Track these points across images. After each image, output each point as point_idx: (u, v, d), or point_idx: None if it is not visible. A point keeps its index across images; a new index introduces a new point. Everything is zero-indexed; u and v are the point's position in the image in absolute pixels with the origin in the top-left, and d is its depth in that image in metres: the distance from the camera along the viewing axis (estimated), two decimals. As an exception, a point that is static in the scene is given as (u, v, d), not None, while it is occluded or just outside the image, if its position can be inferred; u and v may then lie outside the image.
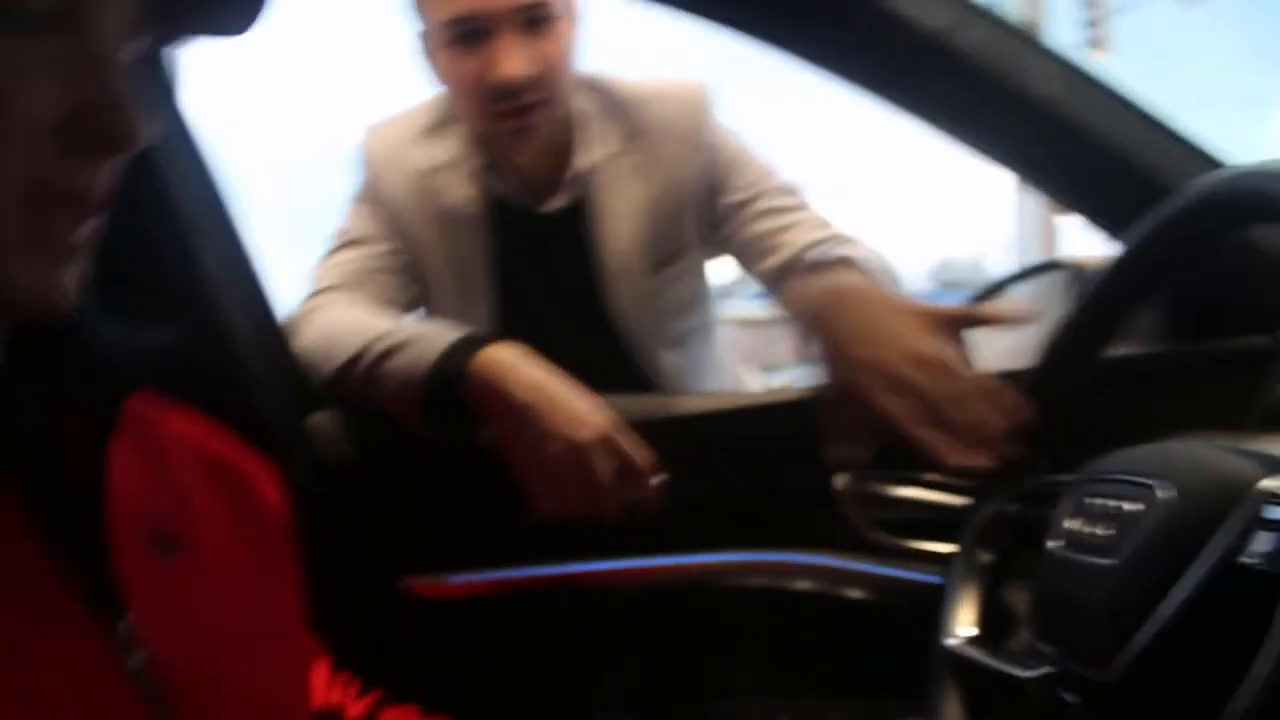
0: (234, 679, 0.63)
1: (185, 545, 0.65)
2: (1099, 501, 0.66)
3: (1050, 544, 0.70)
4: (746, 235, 1.35)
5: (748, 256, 1.36)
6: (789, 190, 1.36)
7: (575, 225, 1.37)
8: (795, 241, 1.29)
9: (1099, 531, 0.64)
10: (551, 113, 1.30)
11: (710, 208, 1.38)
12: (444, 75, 1.31)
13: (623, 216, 1.36)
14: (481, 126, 1.31)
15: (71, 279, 0.53)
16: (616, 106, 1.36)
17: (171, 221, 1.02)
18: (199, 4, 0.59)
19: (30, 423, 0.59)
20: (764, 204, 1.35)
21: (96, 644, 0.55)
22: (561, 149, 1.35)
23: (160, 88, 1.04)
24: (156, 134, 0.53)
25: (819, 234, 1.28)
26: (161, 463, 0.68)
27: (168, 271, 1.03)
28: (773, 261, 1.30)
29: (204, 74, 1.10)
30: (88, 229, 0.53)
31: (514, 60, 1.23)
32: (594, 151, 1.35)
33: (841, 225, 1.32)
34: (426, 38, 1.31)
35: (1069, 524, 0.68)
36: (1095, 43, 11.68)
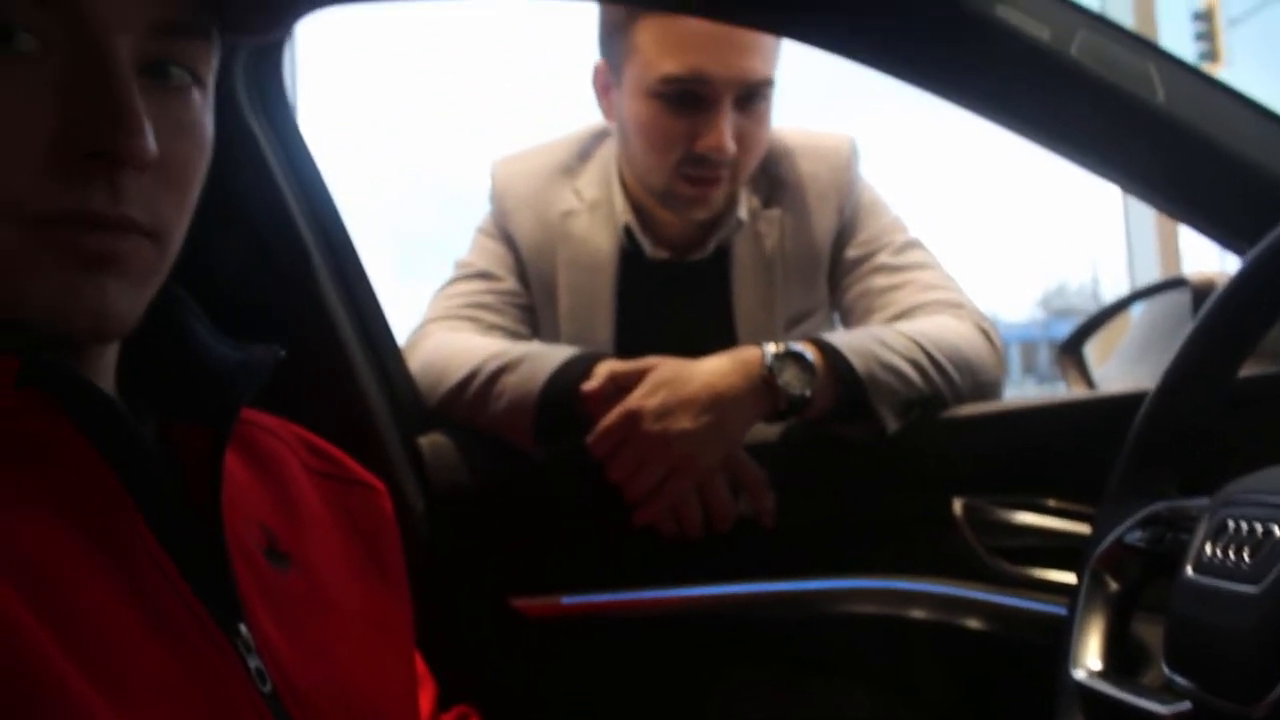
0: (347, 692, 0.64)
1: (298, 561, 0.67)
2: (1240, 525, 0.62)
3: (1185, 571, 0.67)
4: (857, 291, 1.33)
5: (854, 312, 1.34)
6: (908, 248, 1.33)
7: (709, 279, 1.36)
8: (901, 301, 1.27)
9: (1241, 557, 0.61)
10: (731, 190, 1.30)
11: (836, 261, 1.37)
12: (641, 121, 1.27)
13: (758, 272, 1.35)
14: (662, 182, 1.28)
15: (99, 297, 0.54)
16: (763, 160, 1.34)
17: (290, 242, 1.05)
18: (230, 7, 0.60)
19: (148, 436, 0.60)
20: (879, 260, 1.33)
21: (218, 648, 0.56)
22: (718, 212, 1.34)
23: (281, 108, 1.07)
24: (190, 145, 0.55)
25: (926, 296, 1.26)
26: (275, 479, 0.70)
27: (285, 291, 1.05)
28: (875, 319, 1.27)
29: (319, 106, 1.13)
30: (111, 246, 0.54)
31: (727, 134, 1.23)
32: (741, 207, 1.34)
33: (953, 283, 1.29)
34: (628, 77, 1.28)
35: (1206, 550, 0.65)
36: (1209, 55, 11.36)
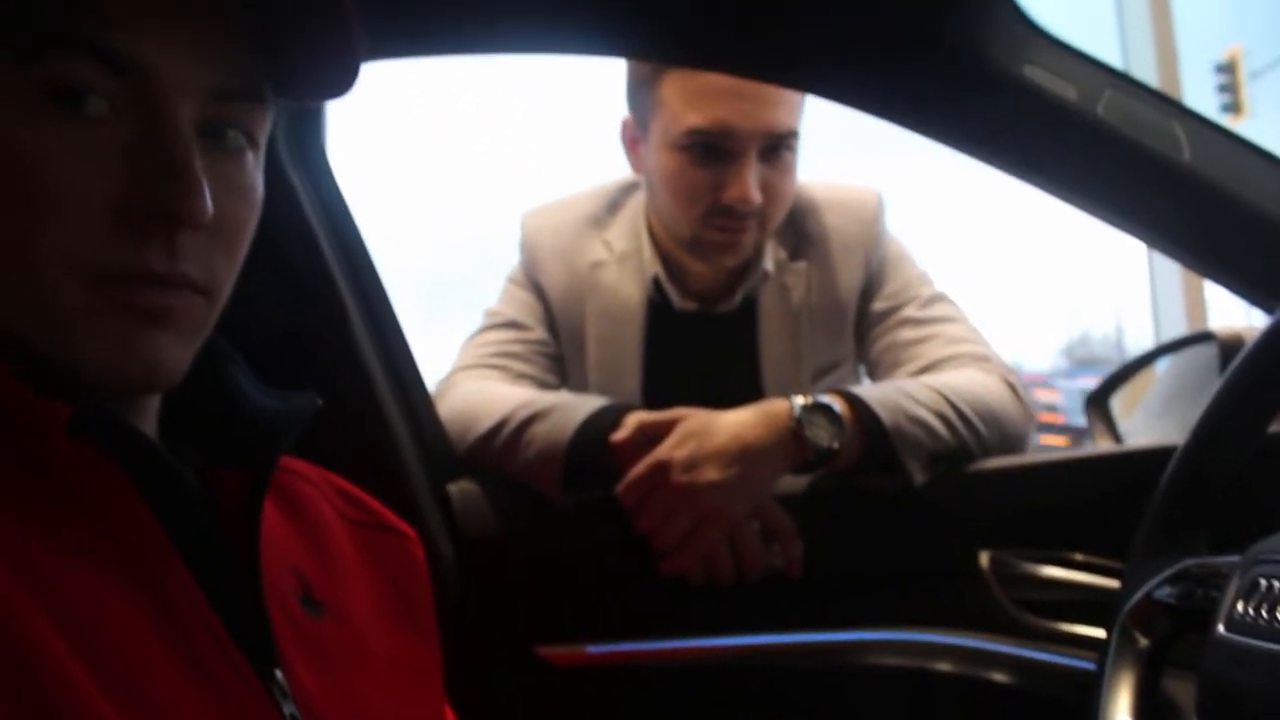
0: None
1: (332, 608, 0.67)
2: (1273, 584, 0.63)
3: (1217, 629, 0.67)
4: (883, 344, 1.34)
5: (880, 365, 1.34)
6: (934, 301, 1.34)
7: (736, 331, 1.37)
8: (927, 354, 1.27)
9: (1275, 616, 0.61)
10: (759, 238, 1.31)
11: (863, 314, 1.37)
12: (667, 174, 1.29)
13: (785, 324, 1.35)
14: (689, 233, 1.30)
15: (152, 350, 0.56)
16: (790, 213, 1.35)
17: (325, 292, 1.06)
18: (289, 73, 0.61)
19: (189, 483, 0.62)
20: (905, 313, 1.34)
21: (254, 694, 0.57)
22: (745, 263, 1.35)
23: (319, 161, 1.09)
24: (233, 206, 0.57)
25: (952, 349, 1.26)
26: (309, 525, 0.71)
27: (320, 339, 1.07)
28: (901, 372, 1.28)
29: (347, 151, 1.15)
30: (166, 302, 0.56)
31: (752, 185, 1.24)
32: (768, 259, 1.35)
33: (979, 336, 1.30)
34: (654, 130, 1.30)
35: (1238, 608, 0.65)
36: (1232, 108, 11.38)
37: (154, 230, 0.55)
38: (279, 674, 0.60)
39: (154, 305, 0.56)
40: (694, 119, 1.23)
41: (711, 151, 1.24)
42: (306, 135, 1.07)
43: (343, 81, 0.62)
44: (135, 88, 0.55)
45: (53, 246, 0.53)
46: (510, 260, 1.46)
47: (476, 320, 1.42)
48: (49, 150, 0.53)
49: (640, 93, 1.31)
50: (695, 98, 1.23)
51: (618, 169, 1.44)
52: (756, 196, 1.24)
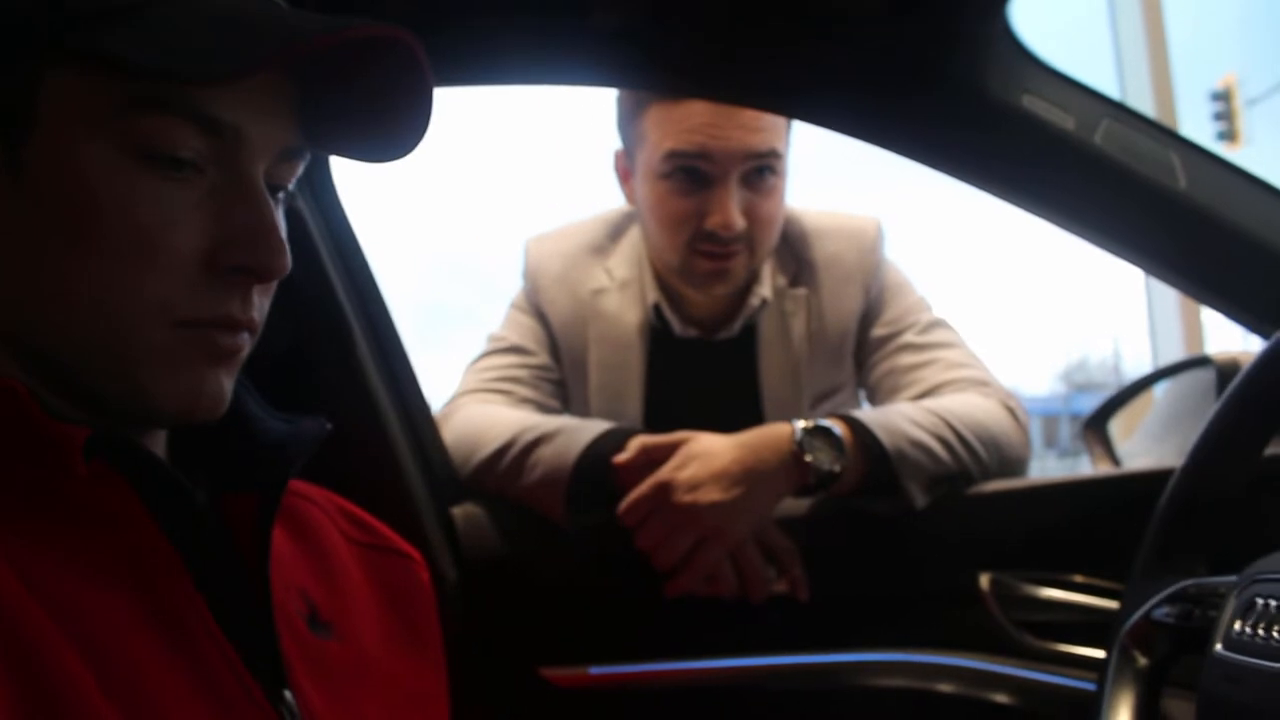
0: None
1: (339, 629, 0.68)
2: (1269, 603, 0.63)
3: (1216, 648, 0.68)
4: (883, 369, 1.35)
5: (880, 390, 1.36)
6: (933, 326, 1.35)
7: (736, 357, 1.38)
8: (927, 379, 1.29)
9: (1271, 634, 0.62)
10: (751, 264, 1.32)
11: (863, 340, 1.39)
12: (652, 203, 1.31)
13: (785, 350, 1.37)
14: (677, 260, 1.31)
15: (218, 387, 0.59)
16: (790, 240, 1.37)
17: (332, 319, 1.08)
18: (357, 138, 0.64)
19: (201, 506, 0.63)
20: (905, 339, 1.35)
21: (263, 715, 0.58)
22: (741, 290, 1.36)
23: (326, 191, 1.10)
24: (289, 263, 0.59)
25: (952, 374, 1.28)
26: (316, 548, 0.72)
27: (327, 364, 1.08)
28: (901, 397, 1.29)
29: (341, 173, 1.16)
30: (236, 345, 0.60)
31: (734, 210, 1.25)
32: (765, 286, 1.36)
33: (979, 361, 1.31)
34: (640, 160, 1.32)
35: (1236, 627, 0.66)
36: (1228, 135, 11.44)
37: (238, 282, 0.58)
38: (288, 694, 0.60)
39: (227, 348, 0.59)
40: (671, 144, 1.25)
41: (693, 177, 1.26)
42: (314, 164, 1.08)
43: (405, 149, 0.64)
44: (223, 148, 0.58)
45: (143, 296, 0.56)
46: (506, 286, 1.47)
47: (470, 345, 1.43)
48: (143, 204, 0.56)
49: (628, 126, 1.33)
50: (673, 125, 1.25)
51: (615, 198, 1.45)
52: (739, 221, 1.26)
